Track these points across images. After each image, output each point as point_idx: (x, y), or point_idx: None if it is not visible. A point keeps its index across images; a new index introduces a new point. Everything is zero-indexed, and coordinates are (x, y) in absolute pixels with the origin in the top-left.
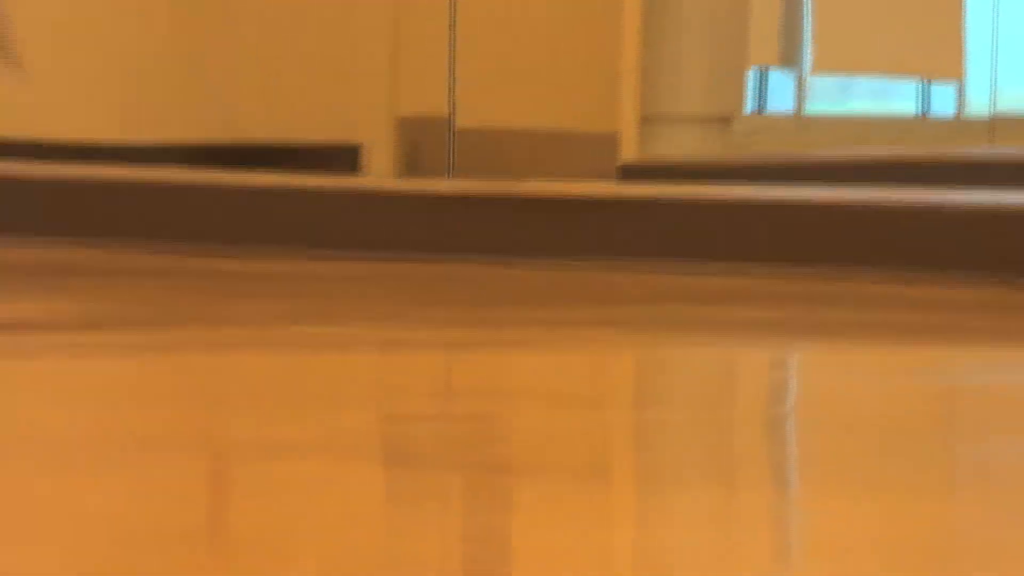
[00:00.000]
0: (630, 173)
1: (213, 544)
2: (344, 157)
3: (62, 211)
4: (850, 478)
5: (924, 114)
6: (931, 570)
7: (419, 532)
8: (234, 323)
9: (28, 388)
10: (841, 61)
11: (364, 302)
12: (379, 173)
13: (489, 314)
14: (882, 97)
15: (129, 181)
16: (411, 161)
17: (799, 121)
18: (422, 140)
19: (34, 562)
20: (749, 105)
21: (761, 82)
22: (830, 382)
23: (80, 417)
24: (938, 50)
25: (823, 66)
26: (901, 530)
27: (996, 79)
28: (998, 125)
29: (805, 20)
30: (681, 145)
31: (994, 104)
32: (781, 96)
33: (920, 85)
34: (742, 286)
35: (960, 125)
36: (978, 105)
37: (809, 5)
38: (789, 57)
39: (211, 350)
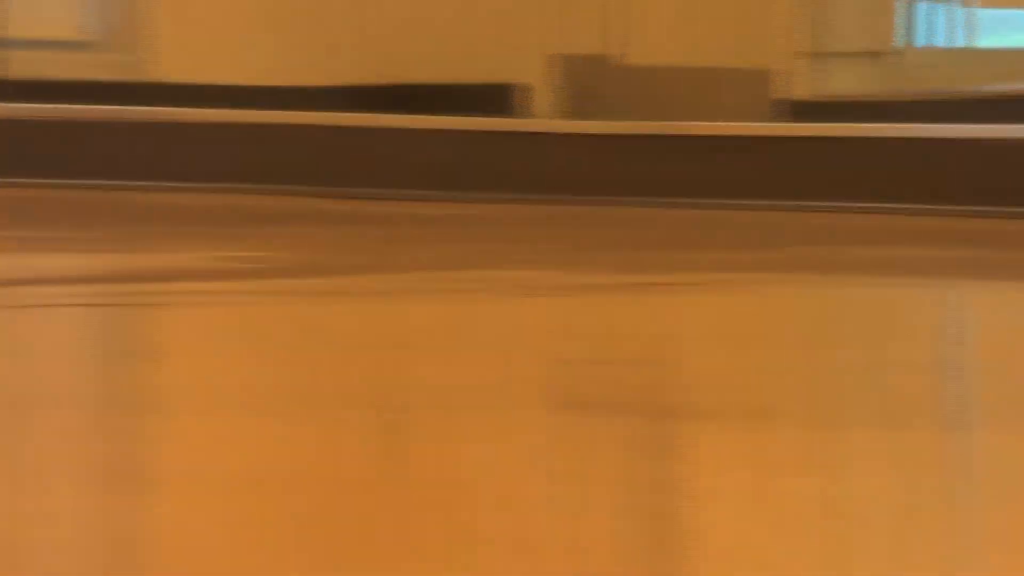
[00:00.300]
0: (793, 110)
1: (397, 490)
2: (498, 97)
3: (228, 156)
4: None
5: None
6: None
7: (592, 477)
8: (406, 269)
9: (213, 337)
10: None
11: (528, 246)
12: (540, 113)
13: (654, 257)
14: None
15: (292, 124)
16: (571, 101)
17: (963, 54)
18: (582, 79)
19: (243, 509)
20: (910, 39)
21: (927, 16)
22: (998, 321)
23: (264, 366)
24: None
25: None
26: None
27: None
28: None
29: None
30: (843, 81)
31: None
32: (944, 31)
33: None
34: (902, 225)
35: None
36: None
37: None
38: None
39: (386, 297)
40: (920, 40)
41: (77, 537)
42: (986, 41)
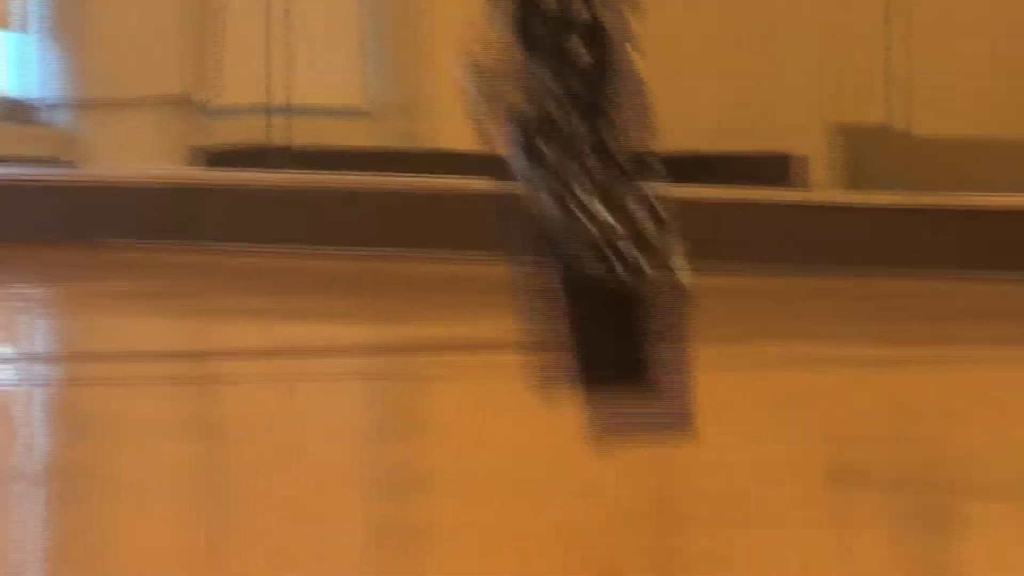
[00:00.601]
0: None
1: None
2: (776, 167)
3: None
4: None
5: None
6: None
7: (870, 555)
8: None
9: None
10: None
11: (805, 318)
12: (818, 184)
13: (925, 329)
14: None
15: None
16: (850, 171)
17: None
18: (862, 149)
19: None
20: None
21: None
22: None
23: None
24: None
25: None
26: None
27: None
28: None
29: None
30: None
31: None
32: None
33: None
34: None
35: None
36: None
37: None
38: None
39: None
40: None
41: None
42: None
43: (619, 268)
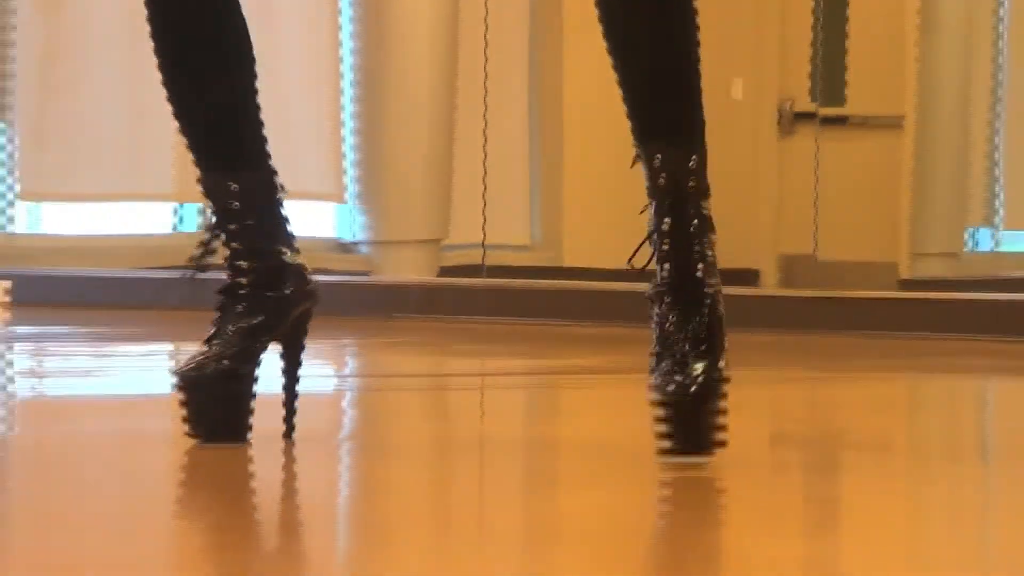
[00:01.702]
0: None
1: None
2: (744, 276)
3: None
4: None
5: None
6: None
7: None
8: None
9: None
10: None
11: (768, 356)
12: (767, 285)
13: (836, 361)
14: None
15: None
16: (783, 279)
17: None
18: (792, 266)
19: None
20: None
21: None
22: None
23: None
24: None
25: None
26: None
27: None
28: None
29: None
30: None
31: None
32: None
33: None
34: None
35: None
36: None
37: None
38: None
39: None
40: None
41: None
42: None
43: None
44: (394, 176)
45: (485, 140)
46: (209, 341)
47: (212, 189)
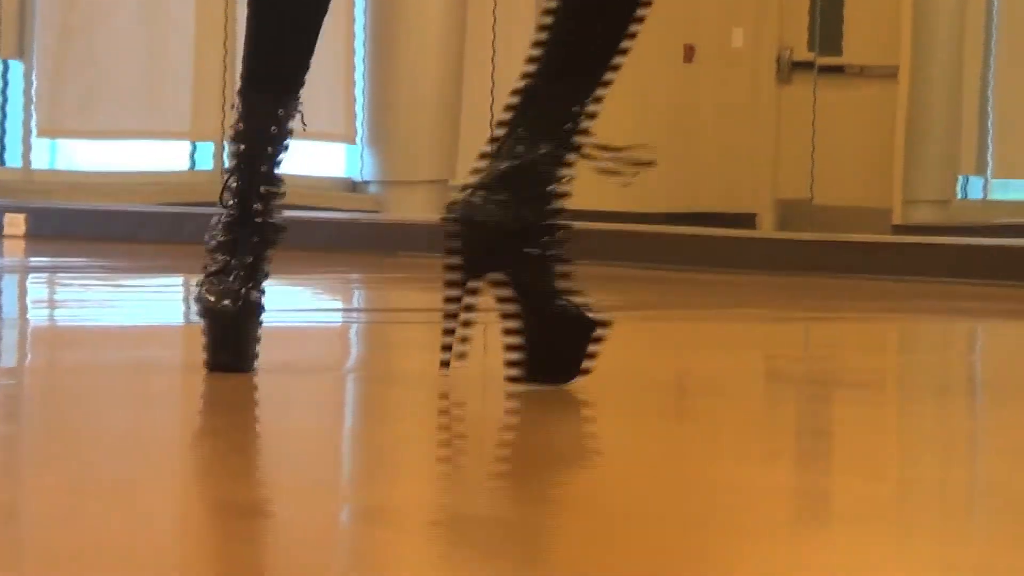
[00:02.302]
0: None
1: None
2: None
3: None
4: None
5: None
6: None
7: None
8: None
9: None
10: None
11: (753, 294)
12: (764, 227)
13: (811, 301)
14: None
15: (640, 233)
16: (780, 222)
17: None
18: (789, 210)
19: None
20: None
21: None
22: None
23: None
24: None
25: None
26: None
27: None
28: None
29: None
30: None
31: None
32: None
33: None
34: None
35: None
36: None
37: None
38: None
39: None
40: None
41: None
42: None
43: None
44: (403, 118)
45: (493, 83)
46: (228, 272)
47: (259, 109)
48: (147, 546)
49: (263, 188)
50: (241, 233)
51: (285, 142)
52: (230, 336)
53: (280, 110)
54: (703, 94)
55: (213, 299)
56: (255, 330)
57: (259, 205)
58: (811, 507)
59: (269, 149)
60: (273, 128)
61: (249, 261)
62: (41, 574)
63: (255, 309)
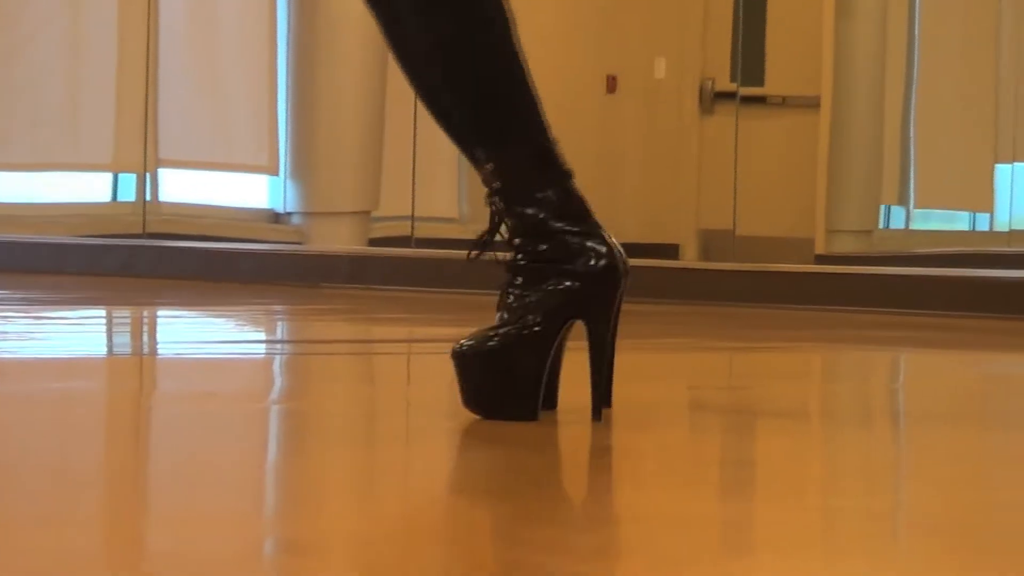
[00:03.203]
0: None
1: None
2: (666, 250)
3: None
4: None
5: None
6: None
7: (706, 448)
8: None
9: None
10: None
11: (690, 326)
12: (687, 258)
13: (756, 333)
14: None
15: None
16: (703, 252)
17: None
18: (712, 240)
19: None
20: None
21: None
22: None
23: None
24: None
25: None
26: None
27: None
28: None
29: None
30: None
31: None
32: None
33: None
34: None
35: None
36: None
37: None
38: None
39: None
40: None
41: None
42: None
43: None
44: (326, 149)
45: (415, 115)
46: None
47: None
48: None
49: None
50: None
51: None
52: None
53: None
54: (626, 124)
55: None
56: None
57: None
58: (736, 536)
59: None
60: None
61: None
62: None
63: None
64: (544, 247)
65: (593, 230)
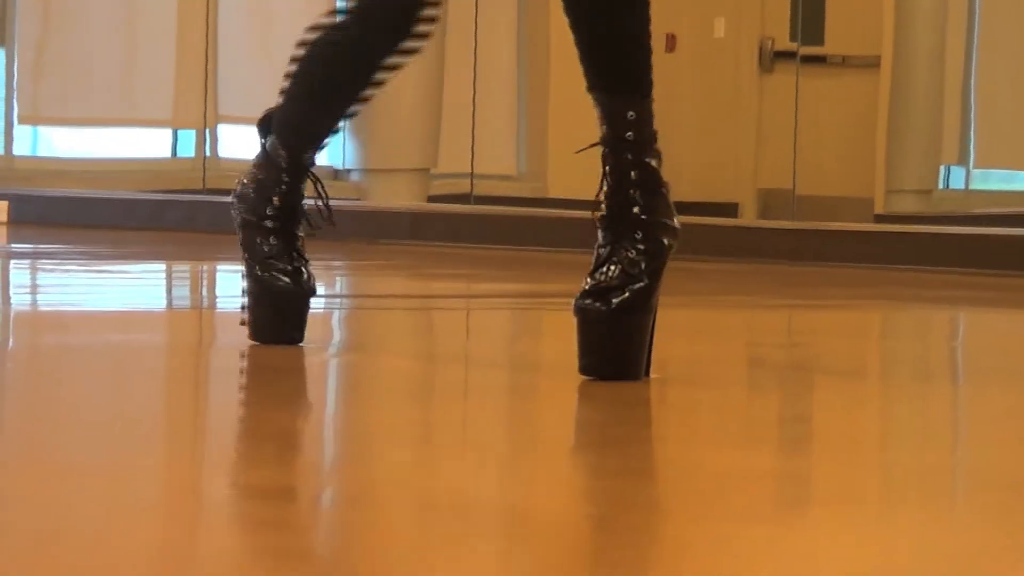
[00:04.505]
0: None
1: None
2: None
3: None
4: None
5: None
6: None
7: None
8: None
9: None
10: None
11: (747, 284)
12: (746, 216)
13: (809, 290)
14: None
15: None
16: (762, 211)
17: None
18: (771, 199)
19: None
20: None
21: None
22: None
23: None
24: None
25: None
26: None
27: None
28: None
29: None
30: None
31: None
32: None
33: None
34: None
35: None
36: None
37: None
38: None
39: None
40: None
41: None
42: None
43: None
44: (385, 106)
45: (475, 73)
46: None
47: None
48: (127, 528)
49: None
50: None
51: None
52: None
53: (631, 113)
54: (685, 84)
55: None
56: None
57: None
58: (792, 491)
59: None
60: (629, 134)
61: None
62: (20, 555)
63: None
64: (658, 203)
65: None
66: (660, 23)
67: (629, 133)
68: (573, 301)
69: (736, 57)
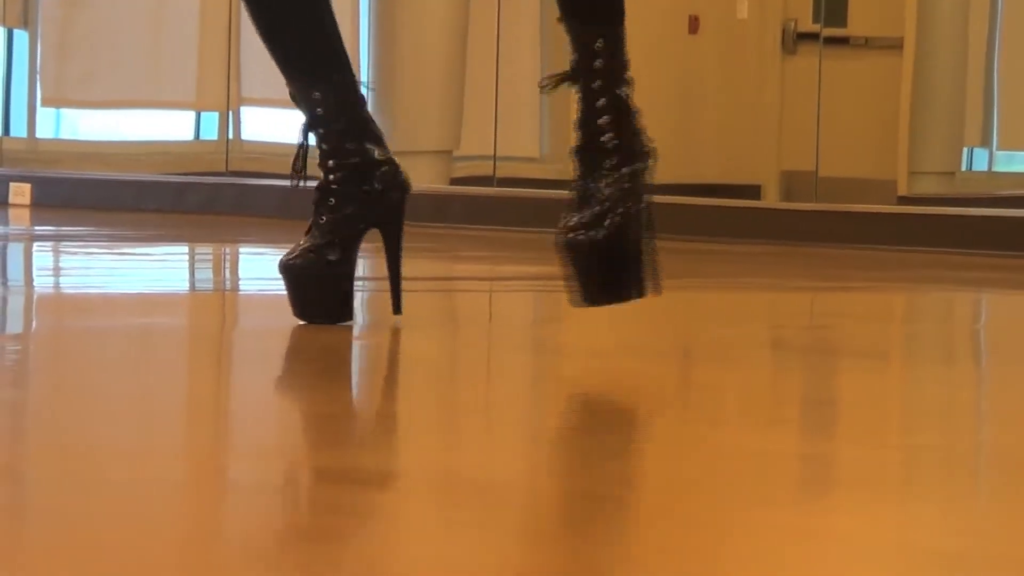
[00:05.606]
0: None
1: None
2: (748, 191)
3: None
4: None
5: None
6: None
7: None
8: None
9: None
10: None
11: (766, 266)
12: (768, 198)
13: (832, 272)
14: None
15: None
16: (785, 193)
17: None
18: (794, 181)
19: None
20: None
21: None
22: None
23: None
24: None
25: None
26: None
27: None
28: None
29: None
30: None
31: None
32: None
33: None
34: None
35: None
36: None
37: None
38: None
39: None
40: None
41: None
42: None
43: None
44: (408, 88)
45: (497, 55)
46: (306, 233)
47: (299, 97)
48: (152, 513)
49: (330, 162)
50: (319, 198)
51: (340, 117)
52: (304, 292)
53: (316, 93)
54: (708, 65)
55: (284, 258)
56: (332, 282)
57: (331, 176)
58: (815, 473)
59: (322, 129)
60: (319, 110)
61: (323, 221)
62: (44, 537)
63: (321, 264)
64: (627, 129)
65: None
66: (683, 5)
67: (598, 61)
68: (554, 237)
69: (759, 39)
